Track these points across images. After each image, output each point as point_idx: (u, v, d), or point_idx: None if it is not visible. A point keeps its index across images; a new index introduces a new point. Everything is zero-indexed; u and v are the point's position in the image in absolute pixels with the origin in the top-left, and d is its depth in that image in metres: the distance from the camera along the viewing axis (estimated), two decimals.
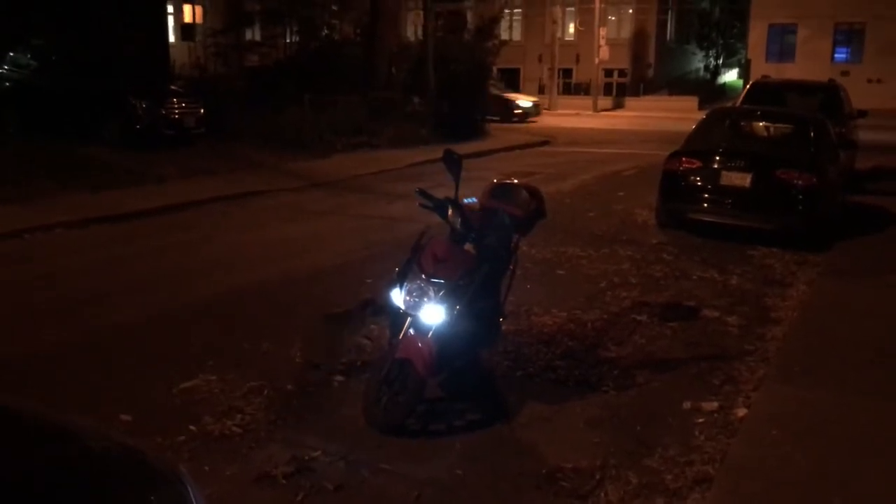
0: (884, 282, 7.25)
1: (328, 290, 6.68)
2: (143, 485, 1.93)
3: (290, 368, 4.93)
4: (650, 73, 38.75)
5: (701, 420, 4.41)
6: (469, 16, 28.99)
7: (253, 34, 26.44)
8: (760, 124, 10.25)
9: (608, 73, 37.86)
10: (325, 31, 23.32)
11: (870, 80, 31.84)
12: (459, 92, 19.76)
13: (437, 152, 5.02)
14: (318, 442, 3.98)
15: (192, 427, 4.11)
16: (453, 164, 4.41)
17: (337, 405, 4.46)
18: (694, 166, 9.20)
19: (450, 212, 4.35)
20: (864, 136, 14.45)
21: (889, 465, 3.80)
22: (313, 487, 3.59)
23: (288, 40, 24.59)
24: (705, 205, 9.10)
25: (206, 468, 3.71)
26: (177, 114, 14.65)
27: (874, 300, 6.63)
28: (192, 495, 1.95)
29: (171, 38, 27.27)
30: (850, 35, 35.02)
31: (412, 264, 4.26)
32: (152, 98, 14.37)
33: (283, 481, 3.63)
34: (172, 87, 16.07)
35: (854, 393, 4.65)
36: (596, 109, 33.28)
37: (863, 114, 14.49)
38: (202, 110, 15.07)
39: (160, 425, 4.10)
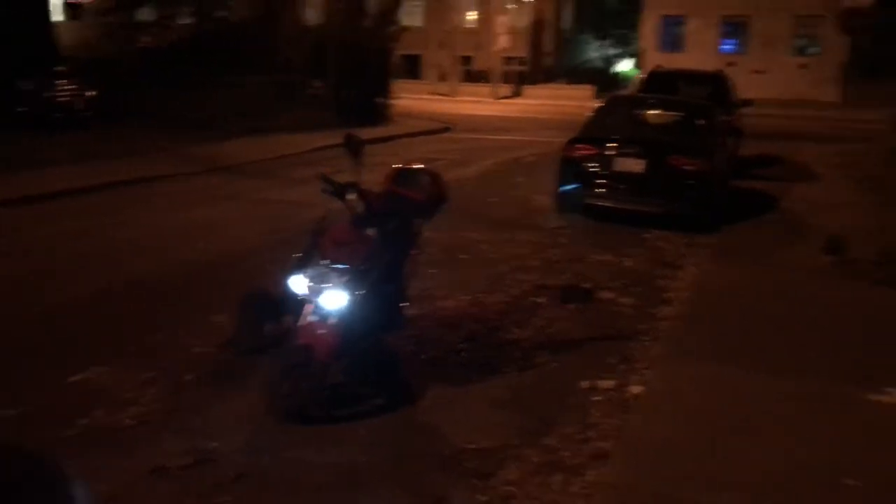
0: (766, 262, 7.63)
1: (229, 278, 6.53)
2: (25, 486, 1.84)
3: (188, 357, 4.81)
4: (549, 61, 39.45)
5: (598, 398, 4.55)
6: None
7: (145, 14, 25.41)
8: (653, 112, 10.59)
9: (508, 60, 38.29)
10: (223, 13, 22.65)
11: (754, 72, 33.38)
12: (361, 77, 19.59)
13: (340, 137, 4.96)
14: (217, 432, 3.89)
15: (83, 420, 3.95)
16: (354, 147, 4.39)
17: (237, 394, 4.37)
18: (590, 153, 9.44)
19: (352, 196, 4.33)
20: (748, 123, 15.16)
21: (776, 439, 4.02)
22: (212, 478, 3.51)
23: (183, 21, 23.74)
24: (601, 190, 9.35)
25: (98, 463, 3.57)
26: (65, 96, 13.99)
27: (758, 280, 6.99)
28: (78, 494, 1.86)
29: (61, 17, 25.93)
30: (735, 27, 36.58)
31: (313, 250, 4.22)
32: (37, 80, 13.64)
33: (180, 473, 3.53)
34: (59, 69, 15.30)
35: (742, 369, 4.89)
36: (496, 97, 33.64)
37: (748, 103, 15.20)
38: (92, 92, 14.43)
39: (50, 419, 3.92)
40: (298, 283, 4.16)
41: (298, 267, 4.20)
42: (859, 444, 3.99)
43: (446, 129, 20.71)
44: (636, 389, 4.61)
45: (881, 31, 25.45)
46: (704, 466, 3.70)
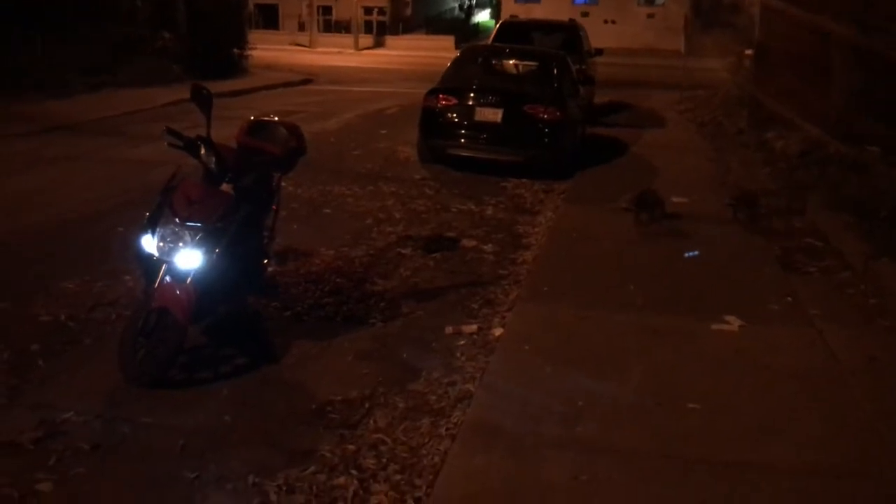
0: (615, 206, 7.98)
1: (75, 242, 6.18)
2: None
3: (35, 328, 4.54)
4: (408, 11, 39.15)
5: (462, 342, 4.67)
6: None
7: None
8: (509, 62, 10.75)
9: (368, 10, 37.72)
10: None
11: (606, 21, 34.46)
12: (213, 27, 18.74)
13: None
14: (69, 403, 3.71)
15: None
16: (203, 100, 4.22)
17: (89, 363, 4.18)
18: (450, 103, 9.51)
19: (202, 151, 4.17)
20: (600, 72, 15.68)
21: (628, 372, 4.26)
22: (67, 450, 3.36)
23: None
24: (462, 140, 9.47)
25: None
26: None
27: (609, 223, 7.31)
28: None
29: None
30: None
31: (164, 208, 4.05)
32: None
33: (31, 447, 3.36)
34: None
35: (593, 307, 5.14)
36: (357, 48, 33.16)
37: (599, 52, 15.71)
38: None
39: None
40: (149, 244, 4.00)
41: (148, 226, 4.02)
42: (702, 370, 4.30)
43: (307, 82, 20.27)
44: (498, 332, 4.76)
45: None
46: (558, 399, 3.88)
